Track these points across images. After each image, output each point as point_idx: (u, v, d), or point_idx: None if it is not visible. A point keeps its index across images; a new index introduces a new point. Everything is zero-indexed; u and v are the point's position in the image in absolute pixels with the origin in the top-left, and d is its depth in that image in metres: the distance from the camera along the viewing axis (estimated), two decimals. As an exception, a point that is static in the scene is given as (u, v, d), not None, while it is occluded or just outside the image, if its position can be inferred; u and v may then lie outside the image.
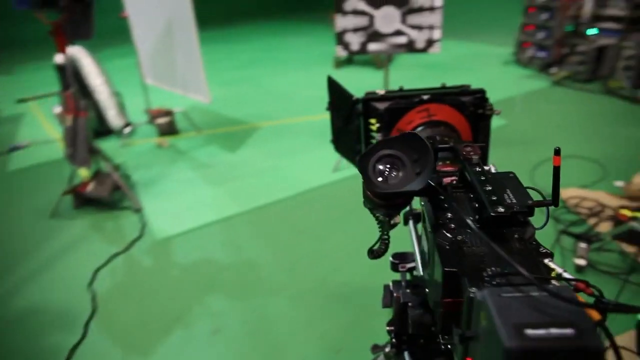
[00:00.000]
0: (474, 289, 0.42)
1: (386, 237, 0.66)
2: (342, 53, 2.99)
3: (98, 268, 2.36)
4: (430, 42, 2.90)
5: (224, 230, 2.61)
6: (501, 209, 0.50)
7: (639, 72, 4.73)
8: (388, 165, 0.56)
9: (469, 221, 0.49)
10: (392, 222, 0.63)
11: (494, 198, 0.52)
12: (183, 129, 4.23)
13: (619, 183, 2.68)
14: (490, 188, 0.54)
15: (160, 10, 3.49)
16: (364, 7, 2.86)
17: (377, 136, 1.05)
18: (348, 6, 2.87)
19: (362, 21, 2.90)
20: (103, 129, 4.01)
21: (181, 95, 3.80)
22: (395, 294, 0.85)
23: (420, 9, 2.83)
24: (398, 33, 2.90)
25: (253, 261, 2.34)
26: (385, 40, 2.92)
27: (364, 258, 0.71)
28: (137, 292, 2.20)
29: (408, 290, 0.80)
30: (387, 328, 0.88)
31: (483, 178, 0.57)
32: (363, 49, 2.97)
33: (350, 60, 6.60)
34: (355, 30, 2.92)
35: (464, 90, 1.02)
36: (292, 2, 13.70)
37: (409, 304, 0.76)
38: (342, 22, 2.91)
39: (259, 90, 5.45)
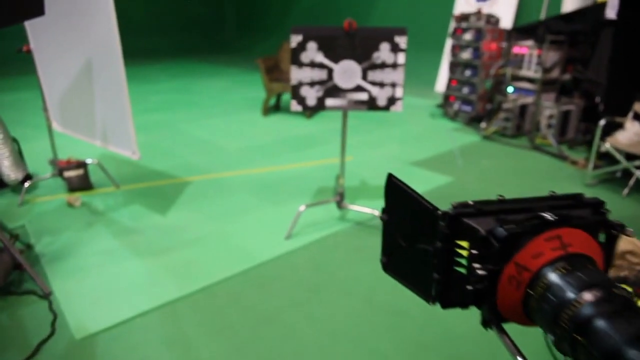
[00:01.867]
0: None
1: None
2: (296, 108, 2.70)
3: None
4: (392, 100, 2.72)
5: (165, 322, 2.11)
6: None
7: (561, 130, 5.02)
8: None
9: None
10: None
11: None
12: (98, 183, 3.63)
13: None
14: None
15: (77, 48, 2.98)
16: (322, 59, 2.62)
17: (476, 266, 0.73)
18: (305, 58, 2.62)
19: (320, 75, 2.65)
20: (-5, 185, 3.30)
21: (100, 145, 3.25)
22: None
23: (383, 65, 2.65)
24: (358, 89, 2.69)
25: (206, 364, 1.88)
26: (345, 96, 2.70)
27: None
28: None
29: None
30: None
31: None
32: (320, 105, 2.71)
33: (278, 107, 6.37)
34: (312, 84, 2.66)
35: (580, 200, 0.74)
36: (205, 41, 13.34)
37: None
38: (297, 74, 2.64)
39: (179, 138, 4.96)
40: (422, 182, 3.80)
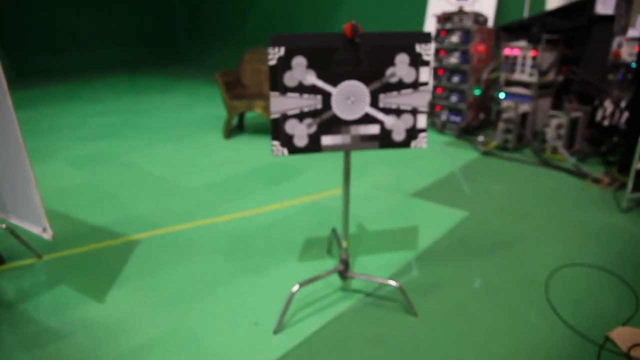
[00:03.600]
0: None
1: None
2: (281, 152, 1.89)
3: None
4: (412, 133, 1.96)
5: None
6: None
7: (570, 141, 4.43)
8: None
9: None
10: None
11: None
12: (12, 254, 2.69)
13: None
14: None
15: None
16: (314, 81, 1.83)
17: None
18: (290, 80, 1.82)
19: (312, 103, 1.85)
20: None
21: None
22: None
23: (400, 86, 1.89)
24: (367, 120, 1.91)
25: None
26: (348, 130, 1.91)
27: None
28: None
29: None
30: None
31: None
32: (314, 145, 1.91)
33: (242, 127, 5.52)
34: (302, 116, 1.86)
35: None
36: (155, 52, 12.27)
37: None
38: (280, 103, 1.84)
39: (124, 175, 4.04)
40: (435, 222, 3.06)
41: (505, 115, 4.55)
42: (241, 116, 5.48)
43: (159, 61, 11.96)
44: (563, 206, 3.32)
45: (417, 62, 1.87)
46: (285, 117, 1.85)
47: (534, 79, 4.81)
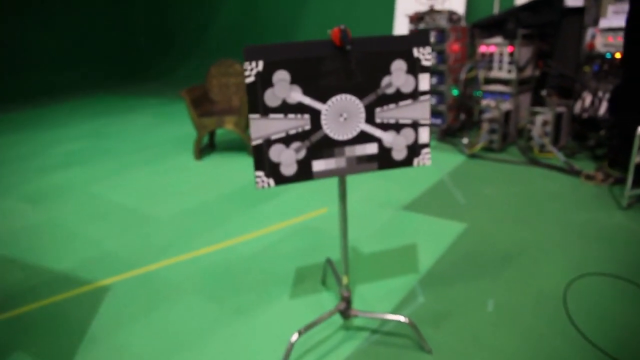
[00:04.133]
0: None
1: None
2: (265, 184, 1.62)
3: None
4: (414, 149, 1.72)
5: None
6: None
7: (556, 137, 4.29)
8: None
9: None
10: None
11: None
12: (-44, 318, 2.32)
13: None
14: None
15: None
16: (301, 98, 1.57)
17: None
18: (272, 98, 1.55)
19: (299, 123, 1.59)
20: None
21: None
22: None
23: (397, 97, 1.64)
24: (362, 138, 1.66)
25: None
26: (342, 152, 1.65)
27: None
28: None
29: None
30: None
31: None
32: (304, 172, 1.65)
33: (212, 145, 5.21)
34: (288, 140, 1.59)
35: None
36: (119, 70, 11.78)
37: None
38: (261, 127, 1.57)
39: (89, 208, 3.68)
40: (434, 237, 2.83)
41: (488, 115, 4.39)
42: (211, 134, 5.17)
43: (125, 79, 11.49)
44: (560, 207, 3.15)
45: (415, 68, 1.63)
46: (269, 143, 1.58)
47: (513, 76, 4.69)
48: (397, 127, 1.67)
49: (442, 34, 4.81)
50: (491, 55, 4.82)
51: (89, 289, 2.55)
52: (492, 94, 4.85)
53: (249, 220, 3.25)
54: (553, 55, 4.81)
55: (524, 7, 4.83)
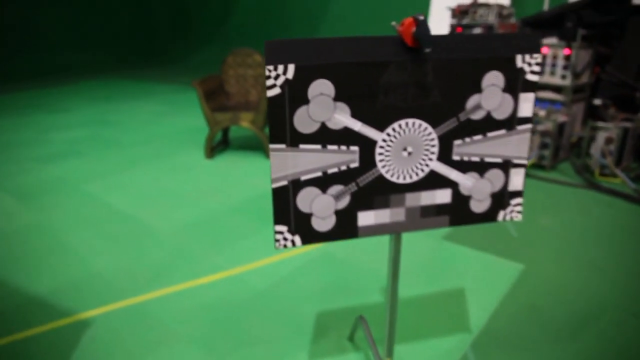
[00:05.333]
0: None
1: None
2: (287, 244, 1.12)
3: None
4: (501, 200, 1.21)
5: None
6: None
7: (619, 157, 3.73)
8: None
9: None
10: None
11: None
12: None
13: None
14: None
15: None
16: (348, 122, 1.06)
17: None
18: (304, 121, 1.05)
19: (342, 159, 1.09)
20: None
21: None
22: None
23: (487, 124, 1.13)
24: (431, 182, 1.15)
25: None
26: (402, 202, 1.15)
27: None
28: None
29: None
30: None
31: None
32: (346, 227, 1.15)
33: (226, 142, 4.73)
34: (325, 182, 1.09)
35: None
36: (134, 52, 11.35)
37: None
38: (286, 162, 1.07)
39: (82, 211, 3.23)
40: (486, 279, 2.32)
41: (540, 127, 3.83)
42: (225, 129, 4.69)
43: (139, 62, 11.06)
44: (635, 248, 2.61)
45: (516, 84, 1.11)
46: (297, 185, 1.08)
47: (568, 82, 4.12)
48: (481, 168, 1.16)
49: (489, 31, 4.24)
50: (543, 57, 4.26)
51: (66, 323, 2.09)
52: (542, 102, 4.30)
53: (263, 241, 2.77)
54: (613, 60, 4.23)
55: (585, 4, 4.24)
